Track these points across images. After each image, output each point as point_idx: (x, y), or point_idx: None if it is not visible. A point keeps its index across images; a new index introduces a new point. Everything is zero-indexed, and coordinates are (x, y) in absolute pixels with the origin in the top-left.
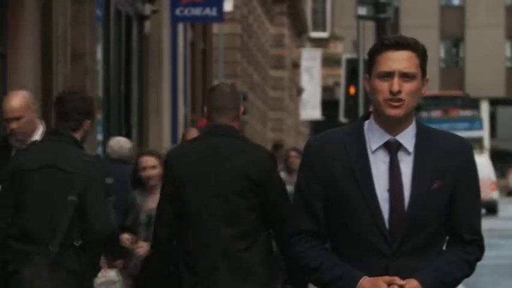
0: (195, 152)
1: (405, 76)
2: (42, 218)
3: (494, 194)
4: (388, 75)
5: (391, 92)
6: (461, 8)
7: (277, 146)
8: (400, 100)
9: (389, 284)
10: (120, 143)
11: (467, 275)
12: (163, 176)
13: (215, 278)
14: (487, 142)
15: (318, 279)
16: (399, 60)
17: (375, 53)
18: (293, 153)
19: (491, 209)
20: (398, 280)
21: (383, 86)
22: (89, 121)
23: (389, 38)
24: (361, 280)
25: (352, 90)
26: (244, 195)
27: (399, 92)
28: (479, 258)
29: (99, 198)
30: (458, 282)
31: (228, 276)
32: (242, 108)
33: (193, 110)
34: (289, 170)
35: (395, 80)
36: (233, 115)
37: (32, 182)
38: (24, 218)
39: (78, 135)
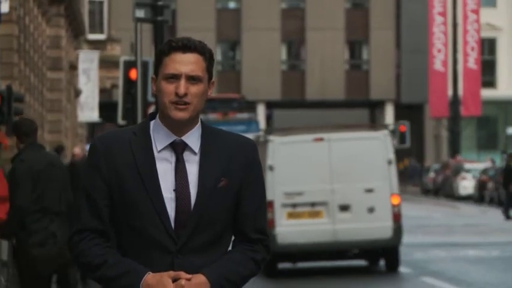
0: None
1: (192, 79)
2: None
3: None
4: (175, 77)
5: (177, 95)
6: (237, 11)
7: (59, 148)
8: (186, 103)
9: (175, 280)
10: None
11: (255, 274)
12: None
13: None
14: None
15: (101, 276)
16: (186, 63)
17: (162, 55)
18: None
19: None
20: (184, 274)
21: (169, 88)
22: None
23: (177, 40)
24: (145, 276)
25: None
26: None
27: (185, 94)
28: (265, 258)
29: None
30: (246, 280)
31: None
32: None
33: None
34: None
35: (182, 82)
36: None
37: None
38: None
39: None
